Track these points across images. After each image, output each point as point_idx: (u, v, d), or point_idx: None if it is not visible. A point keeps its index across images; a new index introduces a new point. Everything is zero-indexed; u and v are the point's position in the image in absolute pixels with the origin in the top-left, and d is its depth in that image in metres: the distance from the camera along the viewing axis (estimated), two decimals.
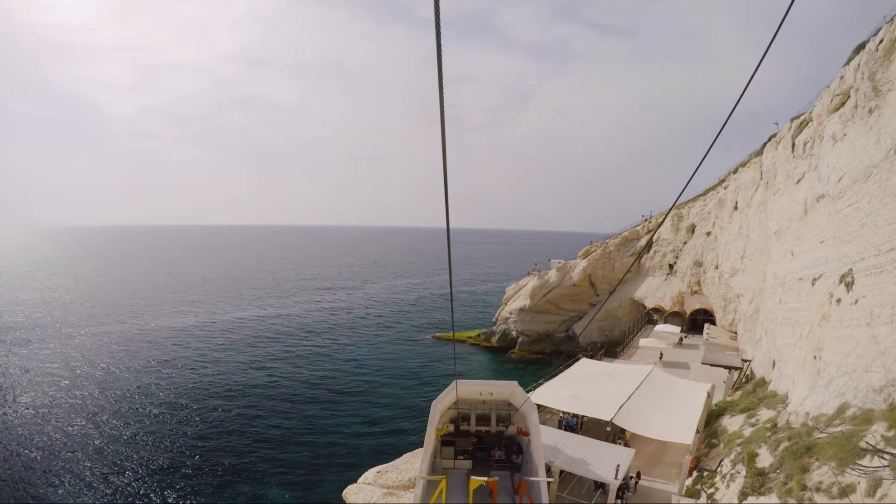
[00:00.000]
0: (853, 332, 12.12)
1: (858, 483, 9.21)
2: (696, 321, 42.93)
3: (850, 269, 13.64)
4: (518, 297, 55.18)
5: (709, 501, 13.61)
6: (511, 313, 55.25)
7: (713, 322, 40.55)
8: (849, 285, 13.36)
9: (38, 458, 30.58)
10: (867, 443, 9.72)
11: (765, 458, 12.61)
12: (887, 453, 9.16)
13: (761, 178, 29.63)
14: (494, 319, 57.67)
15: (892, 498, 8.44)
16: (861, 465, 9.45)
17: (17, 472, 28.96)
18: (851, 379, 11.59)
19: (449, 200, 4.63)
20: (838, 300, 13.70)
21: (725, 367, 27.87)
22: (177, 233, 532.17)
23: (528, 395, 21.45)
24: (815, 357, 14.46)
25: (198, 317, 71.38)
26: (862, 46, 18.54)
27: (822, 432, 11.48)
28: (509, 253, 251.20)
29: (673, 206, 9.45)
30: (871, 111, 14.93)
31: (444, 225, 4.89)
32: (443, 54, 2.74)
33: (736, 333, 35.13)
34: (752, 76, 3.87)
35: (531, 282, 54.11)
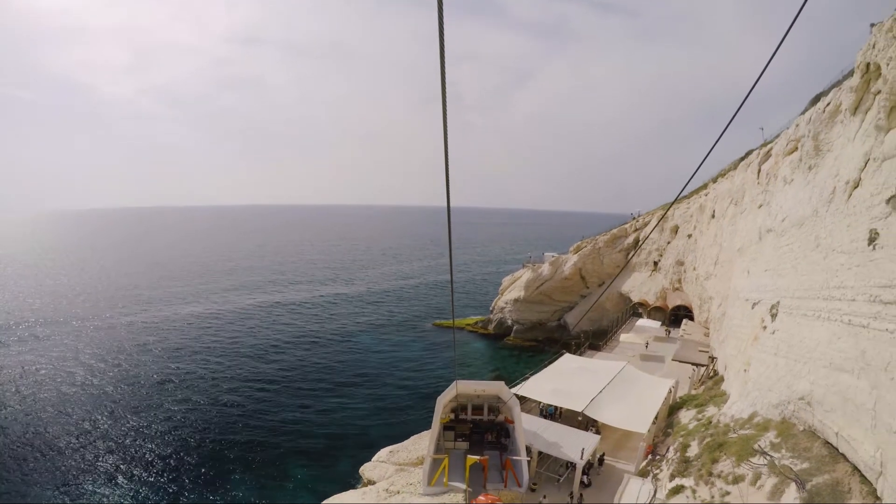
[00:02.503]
0: (766, 357, 15.41)
1: (747, 474, 12.71)
2: (678, 316, 46.59)
3: (778, 302, 16.79)
4: (513, 289, 58.66)
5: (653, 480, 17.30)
6: (507, 303, 58.86)
7: (692, 318, 44.18)
8: (773, 316, 16.54)
9: (57, 452, 32.37)
10: (759, 446, 13.18)
11: (693, 449, 16.19)
12: (769, 455, 12.62)
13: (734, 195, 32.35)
14: (491, 308, 61.38)
15: (766, 487, 11.93)
16: (751, 462, 12.93)
17: (36, 469, 30.64)
18: (760, 394, 14.97)
19: (450, 192, 4.56)
20: (764, 327, 16.93)
21: (693, 364, 31.62)
22: (177, 214, 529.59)
23: (517, 386, 25.49)
24: (745, 370, 17.86)
25: (203, 306, 73.18)
26: (817, 99, 20.96)
27: (734, 433, 14.99)
28: (508, 235, 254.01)
29: (672, 203, 12.25)
30: (810, 168, 17.64)
31: (445, 205, 4.88)
32: (443, 31, 2.69)
33: (709, 330, 38.75)
34: (765, 69, 3.98)
35: (526, 274, 57.46)
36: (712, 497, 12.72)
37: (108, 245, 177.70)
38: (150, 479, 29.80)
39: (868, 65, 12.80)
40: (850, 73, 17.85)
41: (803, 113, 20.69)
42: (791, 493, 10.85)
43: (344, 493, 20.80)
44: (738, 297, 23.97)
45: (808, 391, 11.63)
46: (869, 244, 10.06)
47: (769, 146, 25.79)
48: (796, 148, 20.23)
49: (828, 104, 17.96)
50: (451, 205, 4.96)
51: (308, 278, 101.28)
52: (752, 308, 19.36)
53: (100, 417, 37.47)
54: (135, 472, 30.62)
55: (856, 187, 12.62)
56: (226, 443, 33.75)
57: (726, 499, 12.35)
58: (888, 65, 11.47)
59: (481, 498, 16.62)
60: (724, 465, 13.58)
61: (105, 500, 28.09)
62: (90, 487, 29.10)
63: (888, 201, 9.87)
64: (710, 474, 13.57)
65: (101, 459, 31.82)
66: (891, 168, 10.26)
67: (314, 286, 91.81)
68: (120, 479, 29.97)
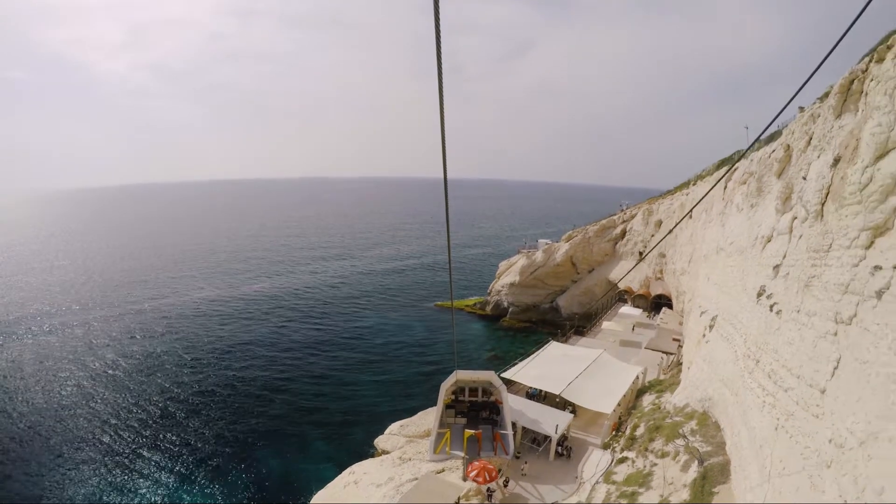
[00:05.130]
0: (700, 361, 19.58)
1: (670, 451, 17.16)
2: (659, 304, 50.95)
3: (716, 317, 20.76)
4: (509, 273, 62.83)
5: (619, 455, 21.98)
6: (503, 287, 63.18)
7: (672, 306, 48.44)
8: (710, 328, 20.58)
9: (80, 445, 33.31)
10: (682, 430, 17.58)
11: (641, 429, 20.72)
12: (687, 438, 17.02)
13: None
14: (489, 291, 65.77)
15: (681, 462, 16.33)
16: (675, 442, 17.36)
17: (61, 462, 31.48)
18: (693, 390, 19.26)
19: (448, 191, 4.61)
20: (703, 335, 21.03)
21: (662, 352, 36.13)
22: (177, 191, 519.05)
23: (508, 371, 30.10)
24: (688, 367, 22.14)
25: (209, 292, 73.46)
26: (773, 138, 23.89)
27: (671, 419, 19.43)
28: (505, 210, 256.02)
29: (687, 213, 15.95)
30: (752, 206, 21.04)
31: (442, 179, 4.90)
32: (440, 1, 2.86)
33: (683, 320, 43.08)
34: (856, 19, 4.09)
35: (521, 260, 61.46)
36: (644, 467, 17.25)
37: (111, 227, 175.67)
38: (180, 461, 31.95)
39: (788, 145, 16.00)
40: (777, 134, 20.94)
41: (757, 150, 23.77)
42: (694, 467, 15.28)
43: (364, 462, 25.67)
44: (696, 301, 28.00)
45: (712, 395, 15.82)
46: (757, 297, 13.85)
47: (735, 166, 28.84)
48: (747, 181, 23.48)
49: (773, 151, 21.13)
50: (450, 176, 4.72)
51: (311, 260, 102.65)
52: (700, 316, 23.40)
53: (120, 407, 38.86)
54: (163, 455, 32.44)
55: (769, 241, 16.21)
56: (248, 422, 36.29)
57: (654, 469, 16.87)
58: (798, 157, 14.67)
59: (476, 463, 21.17)
60: (658, 444, 18.06)
61: (134, 484, 29.88)
62: (119, 476, 30.57)
63: (774, 268, 13.54)
64: (646, 450, 18.08)
65: (125, 446, 33.46)
66: (781, 242, 13.80)
67: (318, 269, 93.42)
68: (148, 463, 31.59)
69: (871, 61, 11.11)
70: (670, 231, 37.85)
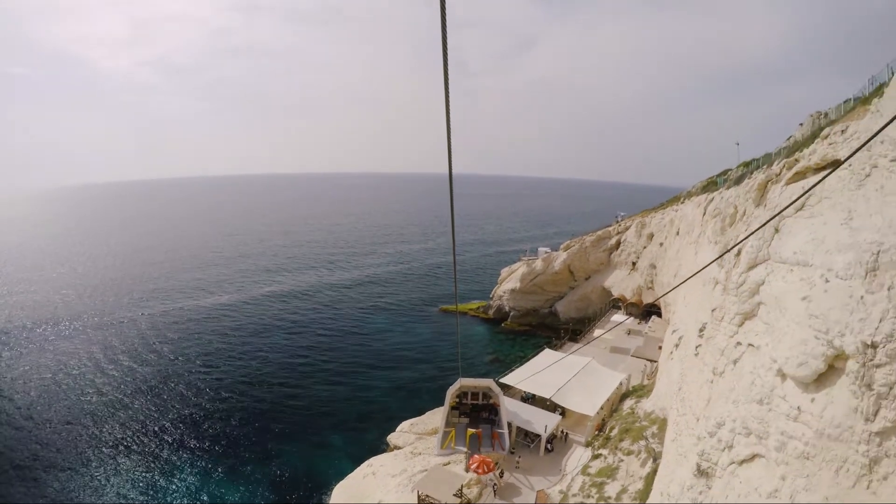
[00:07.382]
0: (664, 374, 23.28)
1: (635, 450, 20.98)
2: (650, 312, 54.47)
3: (681, 338, 24.42)
4: (510, 280, 66.50)
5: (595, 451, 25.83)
6: (505, 292, 66.86)
7: (661, 315, 51.88)
8: (676, 346, 24.26)
9: (100, 447, 34.43)
10: (645, 433, 21.39)
11: (615, 430, 24.56)
12: (648, 440, 20.84)
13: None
14: (491, 295, 69.47)
15: (641, 458, 20.13)
16: (639, 443, 21.19)
17: (84, 469, 32.21)
18: (657, 399, 23.03)
19: (453, 193, 4.90)
20: (671, 352, 24.71)
21: (646, 359, 39.76)
22: (180, 187, 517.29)
23: (506, 376, 33.97)
24: (659, 378, 25.87)
25: (217, 297, 74.21)
26: (736, 182, 27.24)
27: (639, 422, 23.24)
28: (508, 209, 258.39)
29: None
30: (716, 243, 24.56)
31: (449, 173, 4.76)
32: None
33: None
34: None
35: (521, 268, 65.05)
36: (613, 462, 21.11)
37: (114, 225, 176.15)
38: (202, 462, 33.57)
39: (735, 206, 19.48)
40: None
41: (728, 188, 27.16)
42: (649, 464, 19.10)
43: (380, 455, 29.69)
44: (675, 316, 31.60)
45: (665, 405, 19.55)
46: (699, 331, 17.50)
47: (714, 195, 32.21)
48: (717, 215, 26.91)
49: (732, 198, 24.55)
50: (454, 171, 4.79)
51: (317, 263, 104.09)
52: (672, 333, 27.06)
53: (139, 410, 40.18)
54: (186, 456, 33.99)
55: (717, 284, 19.77)
56: (266, 423, 38.10)
57: (620, 464, 20.71)
58: (737, 220, 18.12)
59: (477, 457, 24.94)
60: (626, 443, 21.89)
61: (157, 484, 31.15)
62: (141, 477, 31.86)
63: (713, 311, 17.12)
64: (616, 448, 21.92)
65: (146, 449, 34.88)
66: (720, 290, 17.37)
67: (325, 272, 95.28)
68: (173, 465, 32.94)
69: (783, 166, 14.63)
70: (686, 280, 40.99)
